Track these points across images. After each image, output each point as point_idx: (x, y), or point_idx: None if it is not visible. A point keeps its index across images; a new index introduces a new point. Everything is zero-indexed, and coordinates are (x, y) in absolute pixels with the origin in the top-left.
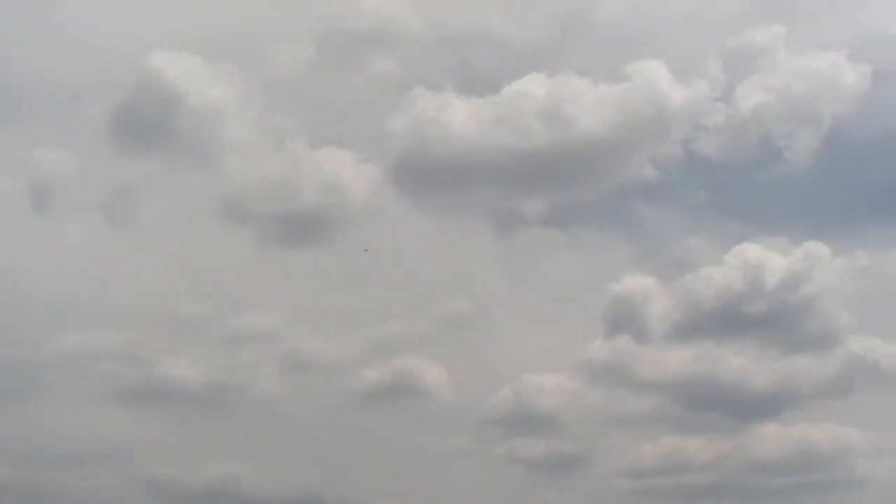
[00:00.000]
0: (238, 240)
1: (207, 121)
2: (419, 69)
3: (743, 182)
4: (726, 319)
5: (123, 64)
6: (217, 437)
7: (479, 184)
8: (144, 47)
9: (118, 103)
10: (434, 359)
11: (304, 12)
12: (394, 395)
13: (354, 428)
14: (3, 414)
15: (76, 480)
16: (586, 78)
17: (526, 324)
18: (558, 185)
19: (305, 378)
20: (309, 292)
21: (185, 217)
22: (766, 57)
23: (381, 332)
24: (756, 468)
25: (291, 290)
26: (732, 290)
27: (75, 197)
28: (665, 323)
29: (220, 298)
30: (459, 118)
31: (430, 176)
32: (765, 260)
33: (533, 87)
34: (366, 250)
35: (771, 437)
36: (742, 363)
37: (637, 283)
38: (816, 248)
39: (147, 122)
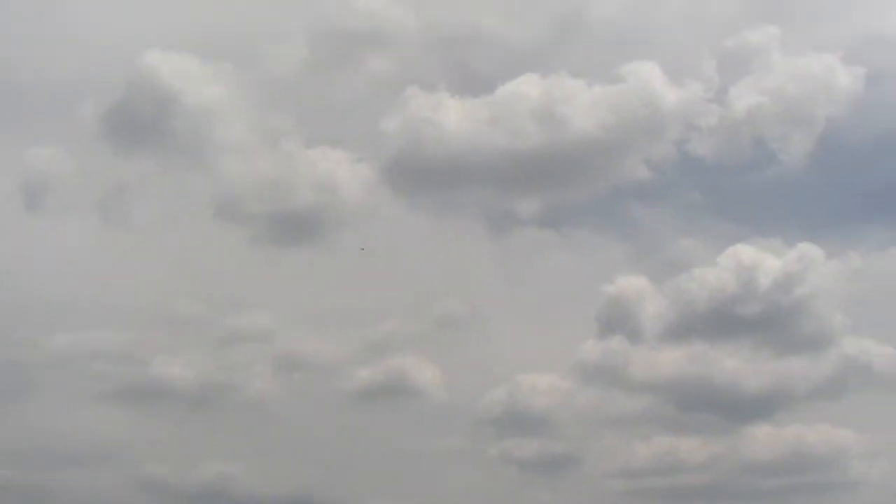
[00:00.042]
0: (232, 239)
1: (202, 120)
2: (413, 69)
3: (737, 183)
4: (720, 320)
5: (117, 63)
6: (211, 437)
7: (473, 184)
8: (139, 46)
9: (112, 102)
10: (428, 359)
11: (298, 12)
12: (388, 395)
13: (348, 428)
14: None
15: (70, 479)
16: (580, 78)
17: (519, 324)
18: (552, 185)
19: (300, 378)
20: (303, 292)
21: (179, 216)
22: (759, 58)
23: (375, 332)
24: (749, 469)
25: (286, 290)
26: (726, 291)
27: (69, 196)
28: (658, 323)
29: (214, 298)
30: (453, 118)
31: (424, 176)
32: (758, 261)
33: (527, 87)
34: (362, 249)
35: (764, 439)
36: (735, 364)
37: (630, 283)
38: (810, 250)
39: (141, 122)
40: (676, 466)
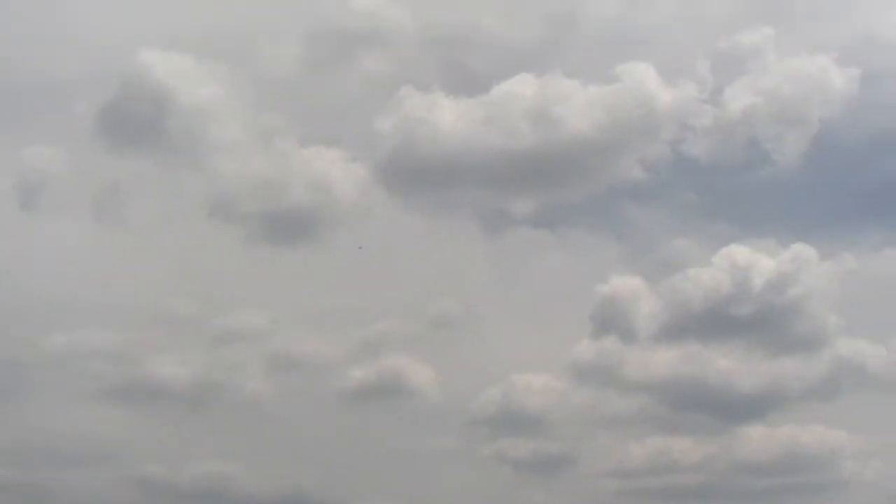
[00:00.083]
0: (226, 238)
1: (196, 119)
2: (408, 69)
3: (731, 184)
4: (714, 321)
5: (112, 62)
6: (205, 436)
7: (468, 184)
8: (134, 45)
9: (107, 101)
10: (422, 359)
11: (294, 11)
12: (382, 394)
13: (343, 427)
14: None
15: (66, 479)
16: (575, 79)
17: (514, 324)
18: (547, 185)
19: (294, 377)
20: (298, 292)
21: (173, 215)
22: (754, 59)
23: (369, 332)
24: (743, 469)
25: (280, 290)
26: (720, 291)
27: (63, 195)
28: (652, 324)
29: (208, 297)
30: (448, 118)
31: (419, 175)
32: (752, 262)
33: (522, 87)
34: (360, 248)
35: (758, 439)
36: (729, 364)
37: (625, 283)
38: (804, 251)
39: (136, 121)
40: (670, 466)
